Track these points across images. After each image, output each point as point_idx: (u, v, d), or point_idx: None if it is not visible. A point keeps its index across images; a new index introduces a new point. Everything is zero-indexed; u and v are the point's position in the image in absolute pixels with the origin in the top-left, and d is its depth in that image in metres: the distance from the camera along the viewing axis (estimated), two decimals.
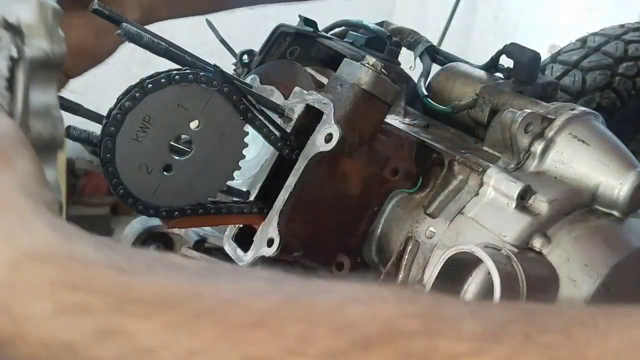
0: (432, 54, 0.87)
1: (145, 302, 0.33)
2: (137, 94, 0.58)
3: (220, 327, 0.32)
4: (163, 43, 0.61)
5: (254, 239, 0.66)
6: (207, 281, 0.35)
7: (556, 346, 0.29)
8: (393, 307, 0.32)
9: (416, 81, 0.83)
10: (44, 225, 0.37)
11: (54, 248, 0.36)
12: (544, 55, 0.95)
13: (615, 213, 0.69)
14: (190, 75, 0.60)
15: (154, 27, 0.67)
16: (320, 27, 0.85)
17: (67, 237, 0.36)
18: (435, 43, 0.90)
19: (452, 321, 0.31)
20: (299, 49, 0.81)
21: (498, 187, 0.67)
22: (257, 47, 0.82)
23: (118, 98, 0.59)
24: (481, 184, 0.68)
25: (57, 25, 0.47)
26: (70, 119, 0.55)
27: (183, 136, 0.62)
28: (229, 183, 0.65)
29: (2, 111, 0.43)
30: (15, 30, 0.46)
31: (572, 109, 0.71)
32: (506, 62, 0.83)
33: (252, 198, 0.67)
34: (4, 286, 0.34)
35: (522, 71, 0.80)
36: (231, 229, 0.70)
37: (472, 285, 0.62)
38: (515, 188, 0.66)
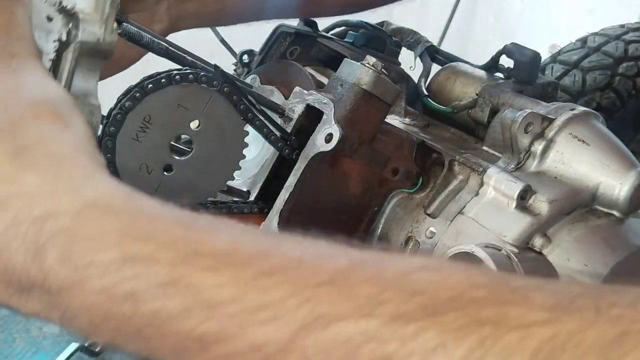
0: (432, 53, 0.87)
1: (213, 256, 0.33)
2: (138, 94, 0.58)
3: (289, 284, 0.32)
4: (163, 43, 0.61)
5: None
6: (273, 242, 0.35)
7: (628, 319, 0.28)
8: (462, 276, 0.31)
9: (416, 81, 0.83)
10: (107, 180, 0.36)
11: (119, 201, 0.35)
12: (544, 55, 0.95)
13: (616, 213, 0.69)
14: (191, 75, 0.60)
15: None
16: (320, 27, 0.85)
17: (131, 193, 0.36)
18: (435, 43, 0.90)
19: (522, 292, 0.31)
20: (299, 49, 0.81)
21: (498, 187, 0.67)
22: (257, 47, 0.82)
23: (118, 98, 0.59)
24: (481, 184, 0.68)
25: (112, 15, 0.47)
26: None
27: (183, 136, 0.62)
28: (229, 183, 0.65)
29: (53, 80, 0.43)
30: (69, 15, 0.46)
31: (572, 109, 0.71)
32: (506, 62, 0.83)
33: (252, 198, 0.67)
34: (67, 235, 0.34)
35: (522, 71, 0.80)
36: None
37: None
38: (515, 188, 0.66)
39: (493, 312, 0.29)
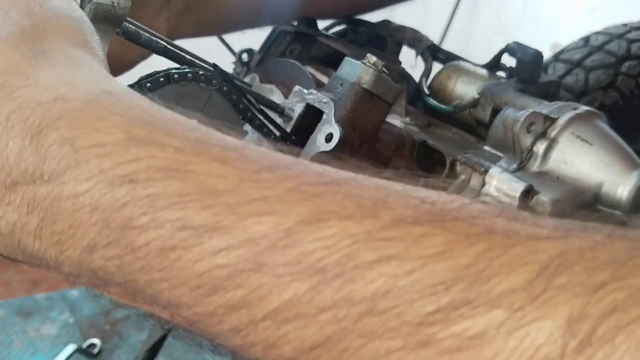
0: (434, 52, 0.87)
1: (222, 148, 0.31)
2: None
3: (292, 181, 0.30)
4: (162, 42, 0.60)
5: None
6: (280, 155, 0.33)
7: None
8: (471, 198, 0.31)
9: (417, 80, 0.83)
10: (124, 86, 0.36)
11: (136, 96, 0.34)
12: (547, 54, 0.95)
13: (619, 213, 0.68)
14: (189, 74, 0.59)
15: None
16: (320, 26, 0.84)
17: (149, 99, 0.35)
18: (436, 42, 0.89)
19: (532, 216, 0.29)
20: (299, 48, 0.80)
21: (500, 187, 0.66)
22: (256, 46, 0.81)
23: None
24: (483, 184, 0.68)
25: None
26: None
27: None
28: None
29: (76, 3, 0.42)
30: None
31: (575, 108, 0.71)
32: (508, 61, 0.82)
33: None
34: (73, 117, 0.32)
35: (525, 70, 0.80)
36: None
37: None
38: (517, 188, 0.65)
39: (502, 225, 0.28)
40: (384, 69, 0.64)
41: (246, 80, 0.74)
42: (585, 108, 0.72)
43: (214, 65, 0.62)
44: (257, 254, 0.29)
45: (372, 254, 0.28)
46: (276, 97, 0.69)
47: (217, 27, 0.81)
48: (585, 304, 0.25)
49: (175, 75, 0.59)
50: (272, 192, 0.30)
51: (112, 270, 0.31)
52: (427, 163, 0.71)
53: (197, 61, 0.62)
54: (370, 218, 0.29)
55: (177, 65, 0.61)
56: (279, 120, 0.66)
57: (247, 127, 0.63)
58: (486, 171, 0.67)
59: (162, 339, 1.37)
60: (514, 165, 0.69)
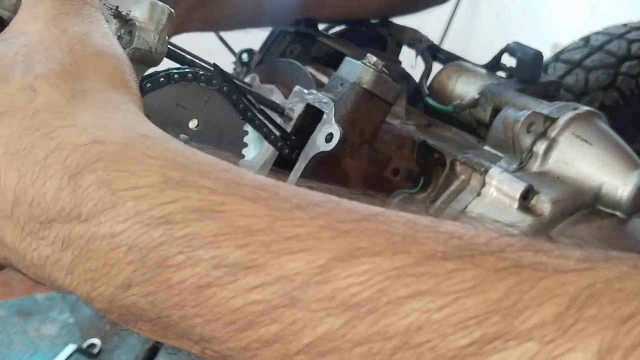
0: (434, 52, 0.87)
1: (253, 187, 0.32)
2: None
3: (325, 218, 0.31)
4: None
5: None
6: (310, 192, 0.34)
7: None
8: (494, 229, 0.31)
9: (417, 80, 0.83)
10: (158, 129, 0.36)
11: (170, 140, 0.35)
12: (547, 54, 0.95)
13: (619, 214, 0.68)
14: (190, 75, 0.59)
15: None
16: (321, 26, 0.84)
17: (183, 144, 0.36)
18: (436, 42, 0.89)
19: (557, 246, 0.30)
20: (299, 48, 0.80)
21: (500, 187, 0.66)
22: (256, 46, 0.81)
23: None
24: (483, 184, 0.68)
25: (167, 28, 0.49)
26: None
27: (182, 135, 0.62)
28: None
29: (116, 39, 0.43)
30: (123, 21, 0.48)
31: (575, 109, 0.71)
32: (508, 61, 0.82)
33: None
34: (110, 160, 0.33)
35: (525, 70, 0.80)
36: None
37: None
38: (517, 188, 0.65)
39: (530, 259, 0.29)
40: (384, 69, 0.64)
41: (246, 80, 0.74)
42: (585, 108, 0.72)
43: (214, 65, 0.62)
44: (291, 290, 0.29)
45: (404, 290, 0.28)
46: (276, 97, 0.69)
47: (223, 24, 0.81)
48: (614, 336, 0.25)
49: (176, 75, 0.59)
50: (305, 230, 0.30)
51: (145, 306, 0.32)
52: (427, 163, 0.71)
53: (197, 61, 0.62)
54: (401, 254, 0.29)
55: (177, 65, 0.61)
56: (279, 120, 0.65)
57: (247, 127, 0.63)
58: (486, 171, 0.67)
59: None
60: (514, 165, 0.69)
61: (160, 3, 0.49)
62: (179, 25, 0.74)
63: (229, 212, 0.31)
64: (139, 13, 0.47)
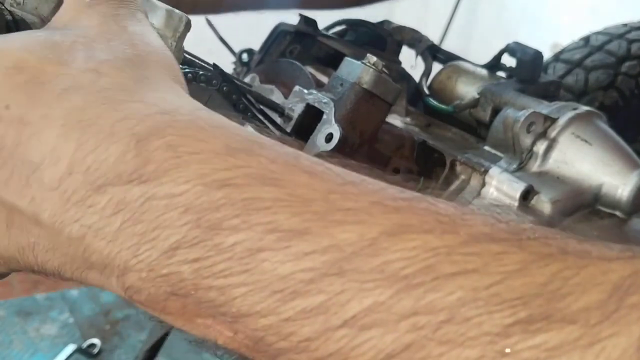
0: (434, 52, 0.87)
1: (310, 161, 0.33)
2: None
3: (376, 195, 0.32)
4: None
5: None
6: (363, 176, 0.35)
7: None
8: (528, 222, 0.32)
9: (417, 80, 0.83)
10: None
11: (226, 119, 0.36)
12: (547, 54, 0.95)
13: (619, 214, 0.68)
14: (189, 74, 0.59)
15: None
16: (320, 25, 0.84)
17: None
18: (436, 42, 0.89)
19: (596, 239, 0.30)
20: (299, 48, 0.80)
21: (500, 187, 0.66)
22: (256, 46, 0.81)
23: None
24: (483, 184, 0.68)
25: (184, 36, 0.49)
26: None
27: None
28: None
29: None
30: None
31: (575, 109, 0.71)
32: (508, 61, 0.82)
33: None
34: (179, 128, 0.34)
35: (525, 70, 0.80)
36: None
37: None
38: (517, 188, 0.65)
39: (574, 246, 0.29)
40: (384, 69, 0.64)
41: (246, 80, 0.74)
42: (585, 108, 0.72)
43: (214, 65, 0.62)
44: (341, 259, 0.30)
45: (452, 267, 0.29)
46: (276, 97, 0.69)
47: (218, 6, 0.80)
48: None
49: None
50: (357, 204, 0.31)
51: (187, 275, 0.32)
52: (427, 163, 0.71)
53: (197, 61, 0.62)
54: (450, 234, 0.30)
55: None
56: (279, 120, 0.65)
57: (247, 127, 0.63)
58: (486, 171, 0.67)
59: (162, 339, 1.37)
60: (514, 166, 0.69)
61: (177, 11, 0.49)
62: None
63: (287, 181, 0.32)
64: (155, 20, 0.47)
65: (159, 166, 0.33)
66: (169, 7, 0.48)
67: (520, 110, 0.69)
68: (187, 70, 0.59)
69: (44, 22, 0.43)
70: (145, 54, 0.39)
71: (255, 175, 0.32)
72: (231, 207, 0.31)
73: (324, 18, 0.86)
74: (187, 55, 0.62)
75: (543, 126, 0.69)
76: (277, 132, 0.64)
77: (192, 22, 0.64)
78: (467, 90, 0.79)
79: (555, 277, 0.28)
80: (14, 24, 0.43)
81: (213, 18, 0.85)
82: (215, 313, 0.32)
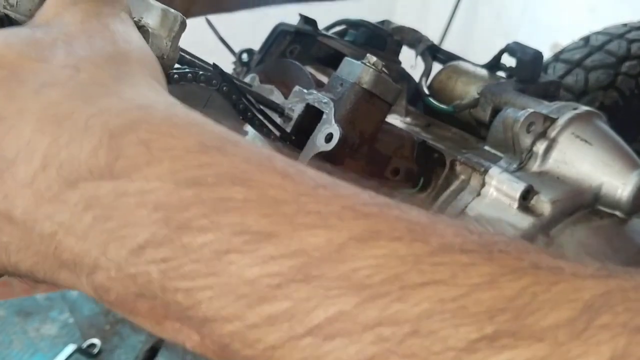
0: (434, 52, 0.87)
1: (284, 163, 0.33)
2: None
3: (347, 199, 0.31)
4: None
5: None
6: (336, 179, 0.34)
7: None
8: (504, 235, 0.32)
9: (417, 80, 0.83)
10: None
11: (208, 118, 0.36)
12: (546, 54, 0.95)
13: (619, 214, 0.68)
14: (189, 75, 0.59)
15: None
16: (321, 26, 0.84)
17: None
18: (436, 42, 0.89)
19: (572, 257, 0.30)
20: (299, 48, 0.80)
21: (500, 187, 0.66)
22: (256, 46, 0.81)
23: None
24: (483, 184, 0.68)
25: (179, 35, 0.49)
26: None
27: None
28: None
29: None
30: (136, 28, 0.48)
31: (575, 108, 0.71)
32: (508, 61, 0.82)
33: None
34: (151, 124, 0.33)
35: (525, 70, 0.80)
36: None
37: None
38: (517, 188, 0.65)
39: (547, 262, 0.29)
40: (384, 69, 0.64)
41: (246, 80, 0.74)
42: (585, 108, 0.72)
43: (214, 65, 0.62)
44: (308, 265, 0.29)
45: (419, 277, 0.28)
46: (276, 97, 0.69)
47: (227, 3, 0.80)
48: (627, 344, 0.25)
49: (175, 76, 0.59)
50: (327, 208, 0.30)
51: (154, 276, 0.31)
52: (427, 163, 0.71)
53: (196, 61, 0.62)
54: (420, 242, 0.29)
55: (177, 65, 0.61)
56: (278, 120, 0.65)
57: (247, 127, 0.63)
58: (486, 171, 0.67)
59: (162, 339, 1.37)
60: (514, 165, 0.69)
61: (172, 10, 0.49)
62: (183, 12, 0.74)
63: (258, 182, 0.31)
64: (151, 20, 0.47)
65: (130, 162, 0.32)
66: (165, 7, 0.48)
67: (520, 110, 0.69)
68: (187, 70, 0.59)
69: None
70: (125, 52, 0.39)
71: (227, 174, 0.32)
72: (200, 206, 0.31)
73: (324, 18, 0.86)
74: (186, 56, 0.62)
75: (543, 126, 0.69)
76: (277, 132, 0.64)
77: (191, 22, 0.64)
78: (467, 90, 0.79)
79: (524, 291, 0.27)
80: (9, 26, 0.43)
81: (213, 18, 0.85)
82: (183, 317, 0.32)
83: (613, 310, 0.26)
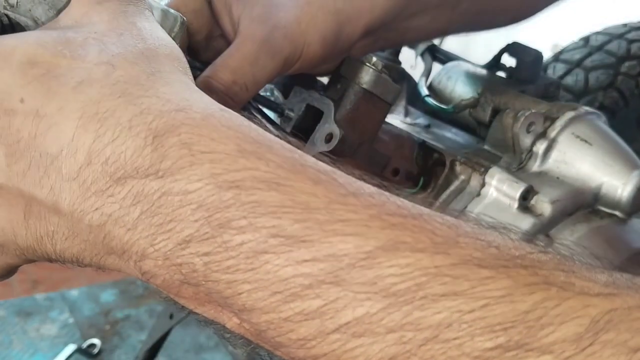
0: (434, 52, 0.87)
1: (315, 170, 0.35)
2: None
3: (376, 208, 0.33)
4: None
5: None
6: (364, 184, 0.36)
7: None
8: (527, 241, 0.34)
9: (417, 80, 0.83)
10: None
11: (243, 118, 0.37)
12: (546, 54, 0.95)
13: (618, 214, 0.68)
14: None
15: None
16: None
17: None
18: (436, 42, 0.89)
19: (584, 267, 0.32)
20: None
21: (500, 187, 0.66)
22: None
23: None
24: (483, 184, 0.68)
25: (179, 36, 0.49)
26: None
27: None
28: None
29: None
30: None
31: (575, 109, 0.71)
32: (508, 61, 0.82)
33: None
34: (194, 126, 0.35)
35: (525, 70, 0.80)
36: None
37: None
38: (517, 188, 0.65)
39: (560, 278, 0.31)
40: (383, 69, 0.64)
41: None
42: (584, 108, 0.72)
43: None
44: (338, 269, 0.31)
45: (440, 288, 0.30)
46: (276, 97, 0.69)
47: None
48: None
49: None
50: (357, 216, 0.33)
51: (198, 267, 0.34)
52: (427, 163, 0.71)
53: (196, 63, 0.62)
54: (442, 254, 0.31)
55: None
56: (278, 120, 0.65)
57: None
58: (486, 171, 0.67)
59: (162, 339, 1.37)
60: (514, 166, 0.69)
61: (172, 10, 0.49)
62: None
63: (292, 188, 0.33)
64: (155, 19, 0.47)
65: (174, 163, 0.34)
66: (165, 7, 0.49)
67: (520, 110, 0.69)
68: None
69: (37, 24, 0.43)
70: (155, 48, 0.40)
71: (263, 178, 0.34)
72: (239, 208, 0.33)
73: None
74: (186, 56, 0.62)
75: (543, 126, 0.69)
76: (276, 132, 0.64)
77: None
78: (467, 90, 0.79)
79: (537, 306, 0.29)
80: (10, 27, 0.43)
81: None
82: (224, 303, 0.34)
83: (616, 328, 0.28)
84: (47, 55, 0.37)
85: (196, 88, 0.40)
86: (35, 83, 0.36)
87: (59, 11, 0.42)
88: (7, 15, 0.43)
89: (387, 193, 0.35)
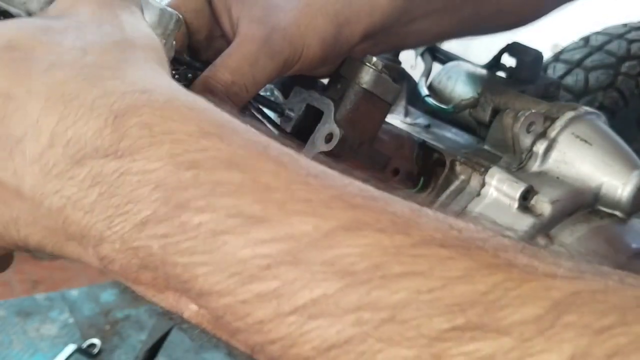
0: (434, 52, 0.87)
1: (279, 151, 0.35)
2: None
3: (338, 189, 0.33)
4: None
5: None
6: (327, 168, 0.36)
7: None
8: (492, 229, 0.33)
9: (417, 80, 0.83)
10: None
11: (209, 102, 0.37)
12: (547, 55, 0.95)
13: (618, 214, 0.68)
14: (189, 75, 0.59)
15: None
16: None
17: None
18: None
19: (550, 254, 0.32)
20: None
21: (500, 187, 0.66)
22: None
23: None
24: (483, 184, 0.68)
25: (174, 34, 0.50)
26: None
27: None
28: None
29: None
30: None
31: (575, 109, 0.71)
32: (508, 61, 0.82)
33: None
34: (155, 108, 0.35)
35: (525, 70, 0.80)
36: None
37: None
38: (517, 188, 0.65)
39: (523, 260, 0.30)
40: (383, 69, 0.64)
41: None
42: (584, 108, 0.72)
43: None
44: (296, 249, 0.31)
45: (399, 267, 0.30)
46: (275, 97, 0.69)
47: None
48: (589, 344, 0.26)
49: (176, 76, 0.59)
50: (317, 196, 0.32)
51: (155, 250, 0.33)
52: (427, 163, 0.71)
53: (196, 63, 0.62)
54: (402, 235, 0.31)
55: (176, 65, 0.61)
56: (278, 120, 0.65)
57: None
58: (486, 171, 0.67)
59: (162, 339, 1.37)
60: (514, 166, 0.69)
61: (169, 9, 0.49)
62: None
63: (253, 168, 0.33)
64: (148, 18, 0.48)
65: (133, 143, 0.34)
66: (162, 6, 0.49)
67: (520, 110, 0.69)
68: (187, 70, 0.59)
69: (30, 17, 0.44)
70: (133, 39, 0.41)
71: (224, 159, 0.33)
72: (198, 188, 0.33)
73: None
74: (186, 56, 0.62)
75: (543, 126, 0.69)
76: (276, 132, 0.64)
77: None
78: (467, 90, 0.79)
79: (496, 287, 0.29)
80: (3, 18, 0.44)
81: None
82: (182, 288, 0.33)
83: (579, 311, 0.27)
84: (25, 40, 0.37)
85: (167, 75, 0.40)
86: (11, 66, 0.36)
87: (51, 3, 0.43)
88: (1, 8, 0.44)
89: (350, 177, 0.35)
